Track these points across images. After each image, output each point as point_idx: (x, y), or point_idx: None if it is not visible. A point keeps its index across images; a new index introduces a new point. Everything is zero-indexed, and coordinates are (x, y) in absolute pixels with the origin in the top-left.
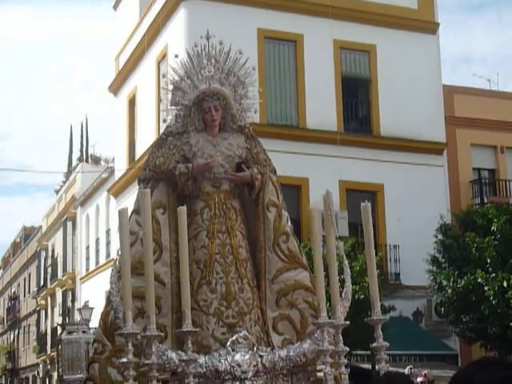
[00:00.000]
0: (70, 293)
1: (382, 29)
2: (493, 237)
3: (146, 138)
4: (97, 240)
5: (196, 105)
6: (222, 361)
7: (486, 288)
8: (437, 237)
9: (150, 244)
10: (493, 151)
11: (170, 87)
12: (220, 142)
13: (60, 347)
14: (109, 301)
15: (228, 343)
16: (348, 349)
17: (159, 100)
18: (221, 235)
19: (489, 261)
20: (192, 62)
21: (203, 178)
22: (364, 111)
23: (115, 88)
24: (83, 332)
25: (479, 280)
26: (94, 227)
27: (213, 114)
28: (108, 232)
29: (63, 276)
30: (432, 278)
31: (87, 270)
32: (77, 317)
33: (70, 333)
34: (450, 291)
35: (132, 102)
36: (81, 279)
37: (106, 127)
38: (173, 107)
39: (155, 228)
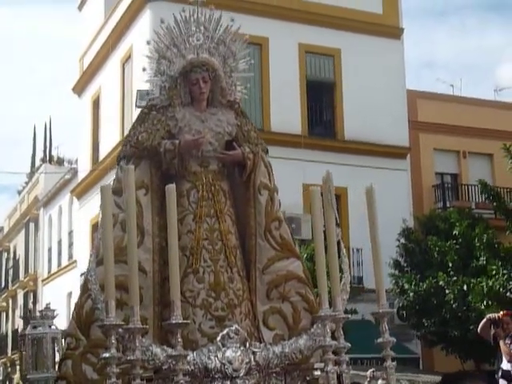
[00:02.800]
0: (32, 295)
1: (347, 33)
2: (454, 241)
3: (110, 139)
4: (59, 241)
5: (182, 76)
6: (212, 357)
7: (447, 291)
8: (399, 240)
9: (133, 227)
10: (455, 156)
11: (155, 55)
12: (208, 118)
13: (23, 344)
14: (84, 290)
15: (218, 338)
16: (350, 345)
17: (123, 101)
18: (209, 219)
19: (450, 264)
20: (179, 29)
21: (190, 156)
22: (328, 115)
23: (79, 89)
24: (49, 326)
25: (441, 283)
26: (56, 229)
27: (201, 87)
28: (71, 233)
29: (25, 278)
30: (394, 281)
31: (49, 271)
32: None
33: (34, 327)
34: (411, 295)
35: (96, 103)
36: (43, 281)
37: (69, 128)
38: (156, 78)
39: (137, 211)
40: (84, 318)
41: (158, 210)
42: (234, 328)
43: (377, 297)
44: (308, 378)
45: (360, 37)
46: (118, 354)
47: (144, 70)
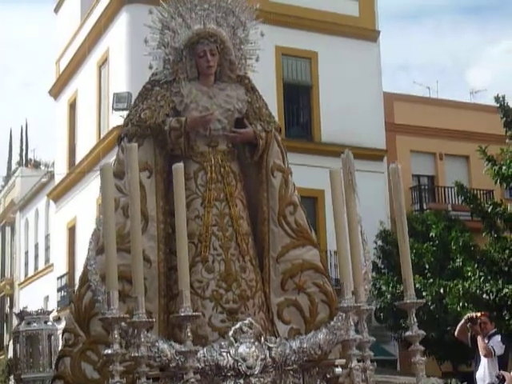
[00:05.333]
0: (8, 299)
1: (324, 36)
2: (431, 243)
3: (87, 142)
4: (36, 245)
5: (188, 48)
6: (224, 354)
7: (424, 293)
8: (376, 243)
9: (137, 211)
10: (432, 158)
11: (158, 25)
12: (217, 94)
13: (17, 341)
14: (84, 281)
15: (230, 332)
16: (374, 339)
17: (100, 104)
18: (218, 204)
19: (427, 266)
20: None
21: (196, 135)
22: (305, 117)
23: (56, 92)
24: (45, 322)
25: (417, 285)
26: (33, 232)
27: (208, 59)
28: (47, 237)
29: (1, 281)
30: (372, 283)
31: (26, 275)
32: (15, 323)
33: (28, 323)
34: (389, 296)
35: (73, 106)
36: (19, 285)
37: (46, 131)
38: (160, 51)
39: (139, 195)
40: (83, 311)
41: (163, 194)
42: (247, 321)
43: (404, 288)
44: (328, 376)
45: (336, 39)
46: (121, 351)
47: (146, 41)
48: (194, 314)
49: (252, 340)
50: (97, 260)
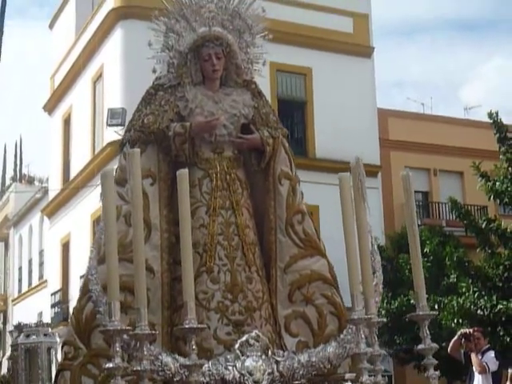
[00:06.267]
0: (2, 315)
1: (319, 52)
2: (425, 259)
3: (81, 158)
4: (30, 261)
5: (193, 52)
6: (230, 368)
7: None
8: None
9: (140, 219)
10: (426, 174)
11: (162, 28)
12: (222, 99)
13: (15, 354)
14: (84, 292)
15: (237, 345)
16: (385, 352)
17: (94, 120)
18: (224, 212)
19: None
20: None
21: (202, 141)
22: (299, 133)
23: (50, 107)
24: (45, 335)
25: (412, 301)
26: (27, 248)
27: (214, 63)
28: (41, 253)
29: None
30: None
31: (19, 291)
32: (8, 340)
33: (27, 336)
34: (383, 312)
35: (67, 122)
36: (13, 301)
37: (40, 147)
38: (164, 54)
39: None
40: (83, 323)
41: (167, 202)
42: (254, 334)
43: (416, 299)
44: None
45: (331, 56)
46: (123, 364)
47: (150, 44)
48: (199, 326)
49: (259, 353)
50: (98, 270)
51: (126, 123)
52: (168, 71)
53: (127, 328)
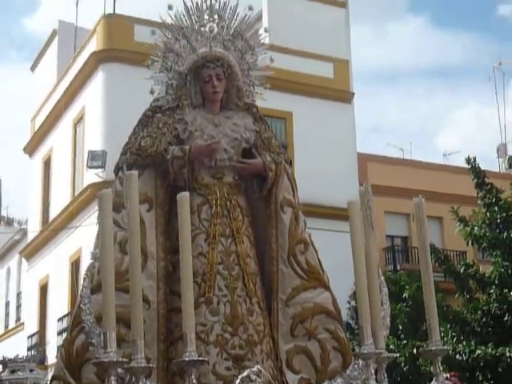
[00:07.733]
0: None
1: (299, 96)
2: (404, 303)
3: (61, 200)
4: (7, 303)
5: (193, 72)
6: None
7: (397, 355)
8: (350, 303)
9: (137, 245)
10: (405, 219)
11: (161, 48)
12: (223, 122)
13: None
14: (76, 323)
15: (237, 381)
16: None
17: (75, 162)
18: (224, 240)
19: (400, 327)
20: (190, 17)
21: (201, 166)
22: None
23: (30, 149)
24: (31, 371)
25: (391, 347)
26: (4, 290)
27: (215, 84)
28: (19, 295)
29: None
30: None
31: None
32: None
33: (13, 371)
34: None
35: (47, 164)
36: None
37: (19, 188)
38: (162, 75)
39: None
40: (74, 356)
41: (163, 229)
42: (255, 369)
43: (429, 333)
44: None
45: (311, 100)
46: None
47: (148, 65)
48: (200, 358)
49: None
50: (91, 299)
51: (107, 166)
52: (166, 92)
53: (123, 360)
